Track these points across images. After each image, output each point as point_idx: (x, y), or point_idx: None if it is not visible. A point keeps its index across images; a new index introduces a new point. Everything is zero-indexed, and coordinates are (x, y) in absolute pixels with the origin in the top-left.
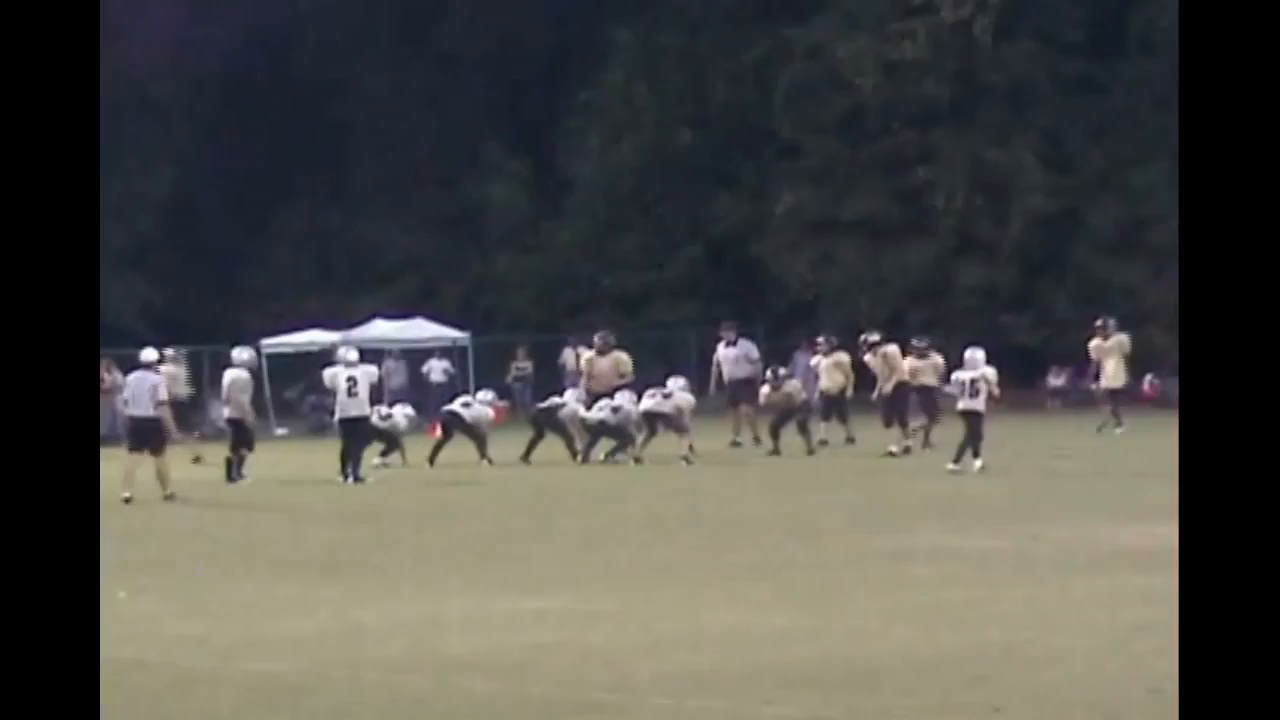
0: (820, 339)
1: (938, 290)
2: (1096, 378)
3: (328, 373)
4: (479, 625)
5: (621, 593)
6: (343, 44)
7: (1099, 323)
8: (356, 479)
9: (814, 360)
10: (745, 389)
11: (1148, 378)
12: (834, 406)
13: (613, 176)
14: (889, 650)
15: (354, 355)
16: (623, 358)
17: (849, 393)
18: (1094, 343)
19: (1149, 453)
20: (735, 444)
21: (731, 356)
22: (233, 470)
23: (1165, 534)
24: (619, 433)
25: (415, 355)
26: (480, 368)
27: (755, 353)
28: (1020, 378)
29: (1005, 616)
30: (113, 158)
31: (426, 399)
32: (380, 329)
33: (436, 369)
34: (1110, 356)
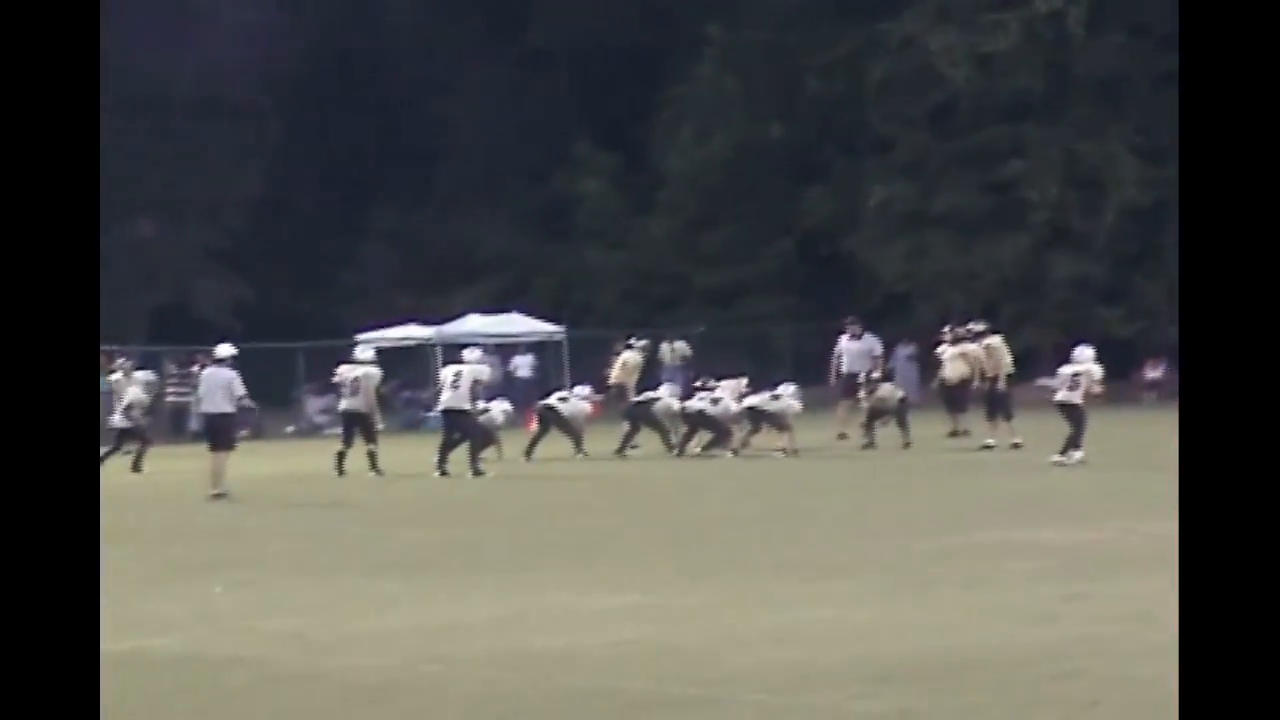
0: (946, 328)
1: (1030, 283)
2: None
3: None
4: (570, 621)
5: (712, 588)
6: (432, 41)
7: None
8: (443, 472)
9: (939, 349)
10: (856, 383)
11: None
12: (955, 396)
13: (703, 171)
14: (981, 645)
15: (475, 354)
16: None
17: (974, 384)
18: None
19: None
20: (841, 436)
21: (855, 350)
22: (374, 463)
23: None
24: (716, 425)
25: (509, 351)
26: (574, 363)
27: (879, 348)
28: (1114, 371)
29: (1100, 611)
30: (204, 157)
31: (513, 394)
32: (474, 324)
33: (522, 365)
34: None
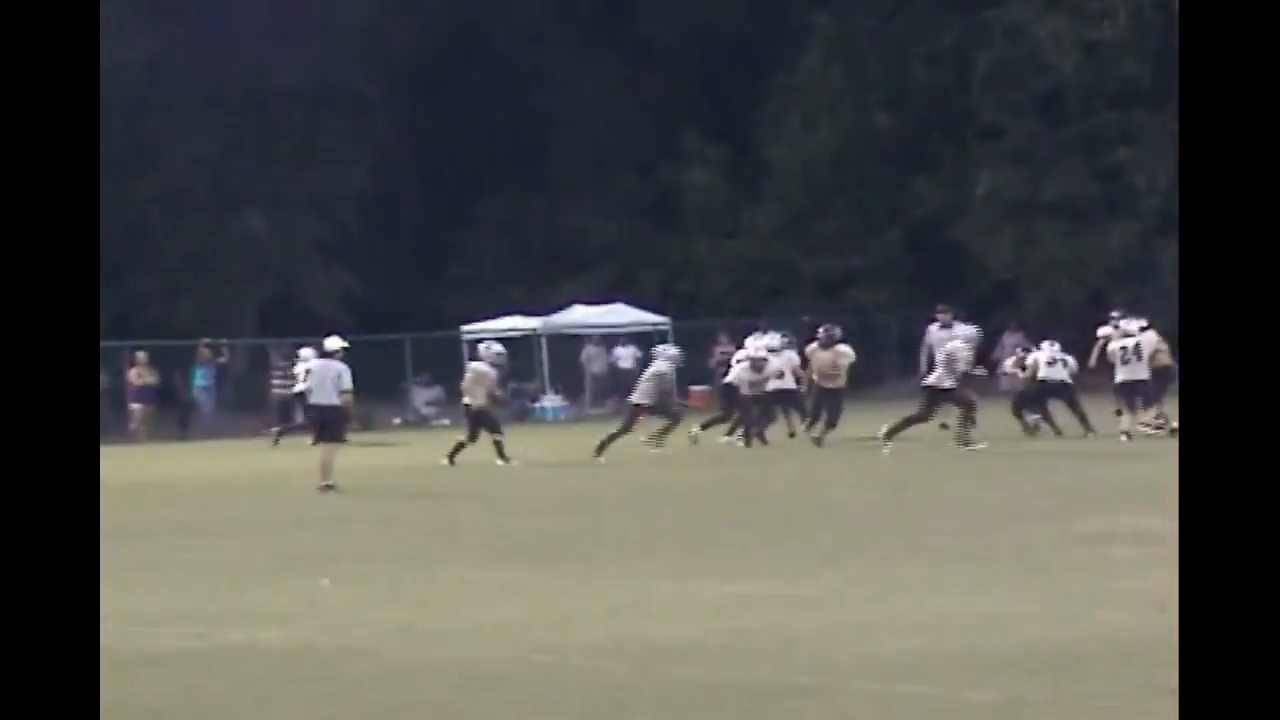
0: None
1: (1140, 271)
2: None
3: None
4: (682, 611)
5: (825, 577)
6: (540, 32)
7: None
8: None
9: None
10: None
11: None
12: (1064, 389)
13: (811, 160)
14: (1093, 634)
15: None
16: (845, 351)
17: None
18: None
19: None
20: (944, 426)
21: (944, 339)
22: (501, 453)
23: None
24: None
25: (613, 341)
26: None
27: (974, 335)
28: None
29: None
30: (312, 150)
31: (616, 385)
32: (579, 315)
33: (625, 356)
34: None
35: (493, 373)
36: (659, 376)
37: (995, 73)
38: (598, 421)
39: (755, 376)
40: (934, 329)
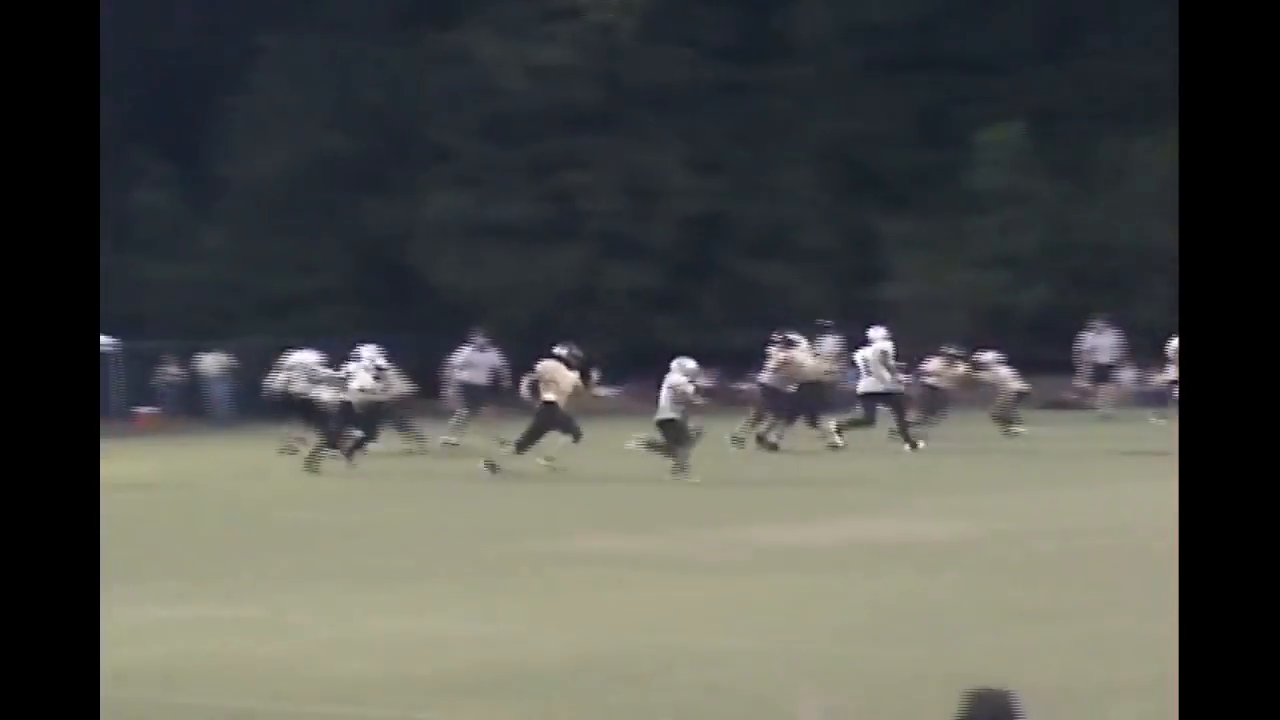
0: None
1: (587, 293)
2: None
3: None
4: (144, 634)
5: (279, 599)
6: None
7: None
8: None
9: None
10: (485, 394)
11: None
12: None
13: (263, 181)
14: (544, 654)
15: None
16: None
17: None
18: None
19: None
20: (451, 444)
21: (479, 361)
22: None
23: (817, 535)
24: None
25: None
26: (131, 375)
27: (498, 359)
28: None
29: (661, 618)
30: None
31: None
32: None
33: None
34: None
35: None
36: (672, 389)
37: (444, 96)
38: None
39: (378, 386)
40: (468, 351)
